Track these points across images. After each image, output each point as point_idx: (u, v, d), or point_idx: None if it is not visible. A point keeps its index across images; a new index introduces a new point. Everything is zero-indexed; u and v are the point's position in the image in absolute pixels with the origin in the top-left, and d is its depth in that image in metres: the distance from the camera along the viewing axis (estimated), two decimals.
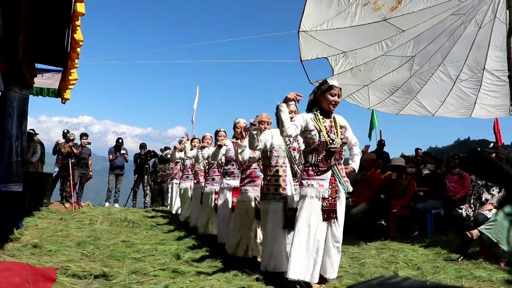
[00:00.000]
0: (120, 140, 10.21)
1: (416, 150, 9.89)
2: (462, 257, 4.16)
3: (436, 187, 6.09)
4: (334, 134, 3.06)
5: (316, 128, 3.01)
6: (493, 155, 4.76)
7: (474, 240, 4.08)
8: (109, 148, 10.24)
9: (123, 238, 5.18)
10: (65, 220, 6.48)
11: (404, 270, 3.78)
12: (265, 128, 3.81)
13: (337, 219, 3.01)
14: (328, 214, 2.97)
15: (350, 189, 3.17)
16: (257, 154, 3.97)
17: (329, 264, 3.03)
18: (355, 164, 3.30)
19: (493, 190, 4.54)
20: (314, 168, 3.03)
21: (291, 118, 3.18)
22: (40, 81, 6.85)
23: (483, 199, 4.57)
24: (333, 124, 3.11)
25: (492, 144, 5.48)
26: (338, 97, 3.08)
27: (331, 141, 3.02)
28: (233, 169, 4.66)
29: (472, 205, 4.70)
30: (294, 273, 2.88)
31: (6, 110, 4.54)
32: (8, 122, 4.59)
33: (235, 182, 4.55)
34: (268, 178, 3.58)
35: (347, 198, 3.75)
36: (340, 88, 3.10)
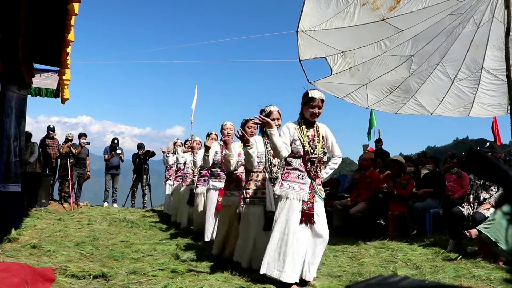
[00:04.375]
0: (116, 141, 10.19)
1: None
2: (460, 256, 4.17)
3: (436, 186, 6.10)
4: (316, 143, 3.23)
5: (300, 139, 3.19)
6: (489, 154, 4.76)
7: (473, 239, 4.09)
8: (104, 148, 10.24)
9: (122, 238, 5.18)
10: (64, 220, 6.47)
11: (403, 270, 3.79)
12: (252, 133, 3.95)
13: (314, 223, 3.10)
14: (307, 217, 3.09)
15: (324, 196, 3.30)
16: (242, 157, 4.02)
17: (307, 265, 3.13)
18: (323, 173, 3.44)
19: (491, 190, 4.55)
20: (296, 172, 3.19)
21: (277, 126, 3.37)
22: (38, 81, 6.84)
23: (481, 198, 4.58)
24: (315, 134, 3.27)
25: (488, 144, 5.48)
26: (319, 109, 3.21)
27: (312, 150, 3.20)
28: (220, 171, 4.85)
29: (470, 204, 4.71)
30: (266, 268, 3.02)
31: (4, 110, 4.53)
32: (6, 122, 4.58)
33: (221, 184, 4.67)
34: (249, 182, 3.71)
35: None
36: (322, 100, 3.21)
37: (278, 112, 3.67)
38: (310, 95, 3.18)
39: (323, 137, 3.30)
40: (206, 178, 5.47)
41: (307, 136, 3.23)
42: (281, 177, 3.33)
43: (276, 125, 3.54)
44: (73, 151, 8.65)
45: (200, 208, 5.67)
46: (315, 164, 3.21)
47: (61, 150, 8.71)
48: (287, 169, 3.27)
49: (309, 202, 3.11)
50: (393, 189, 5.79)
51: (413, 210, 5.88)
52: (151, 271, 3.47)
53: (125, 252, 4.28)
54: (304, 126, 3.26)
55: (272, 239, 3.09)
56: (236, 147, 4.15)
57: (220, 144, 4.79)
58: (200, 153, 5.31)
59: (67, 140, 8.95)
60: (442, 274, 3.50)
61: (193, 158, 5.25)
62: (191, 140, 7.08)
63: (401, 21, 5.85)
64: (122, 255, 4.10)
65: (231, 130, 4.66)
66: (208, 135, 5.45)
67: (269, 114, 3.60)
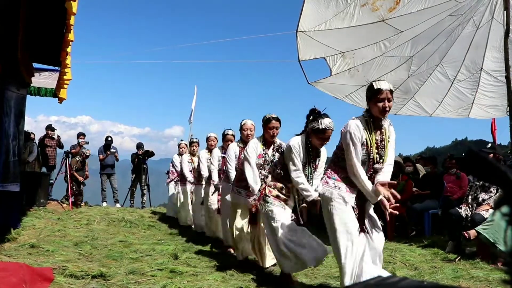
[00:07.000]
0: (109, 139, 9.97)
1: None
2: (459, 257, 4.17)
3: (434, 187, 6.10)
4: (382, 149, 2.68)
5: (368, 143, 2.63)
6: (491, 155, 4.77)
7: (471, 240, 4.10)
8: (98, 147, 10.14)
9: (121, 238, 5.17)
10: (63, 220, 6.45)
11: (402, 270, 3.79)
12: (274, 134, 3.74)
13: (365, 231, 2.66)
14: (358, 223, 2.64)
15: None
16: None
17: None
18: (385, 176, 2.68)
19: (490, 191, 4.56)
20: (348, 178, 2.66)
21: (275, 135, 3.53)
22: (37, 80, 6.83)
23: (480, 199, 4.58)
24: (384, 137, 2.70)
25: (489, 145, 5.49)
26: (389, 101, 2.61)
27: (378, 158, 2.65)
28: None
29: (469, 205, 4.71)
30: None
31: (3, 109, 4.53)
32: (5, 121, 4.57)
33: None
34: (270, 177, 3.30)
35: None
36: (391, 91, 2.64)
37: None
38: (376, 87, 2.61)
39: (389, 140, 2.72)
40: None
41: (376, 140, 2.65)
42: (328, 172, 2.79)
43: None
44: (72, 150, 8.68)
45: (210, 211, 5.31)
46: (375, 174, 2.64)
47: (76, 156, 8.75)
48: (335, 164, 2.76)
49: (355, 208, 2.64)
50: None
51: (412, 211, 5.89)
52: (149, 271, 3.47)
53: (123, 252, 4.28)
54: (372, 127, 2.66)
55: (341, 248, 2.56)
56: (259, 147, 3.77)
57: (239, 146, 4.31)
58: (216, 152, 5.05)
59: (80, 145, 8.97)
60: (440, 275, 3.50)
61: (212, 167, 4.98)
62: (195, 142, 6.96)
63: (400, 22, 5.87)
64: (121, 255, 4.10)
65: (251, 130, 4.28)
66: (224, 135, 4.98)
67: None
